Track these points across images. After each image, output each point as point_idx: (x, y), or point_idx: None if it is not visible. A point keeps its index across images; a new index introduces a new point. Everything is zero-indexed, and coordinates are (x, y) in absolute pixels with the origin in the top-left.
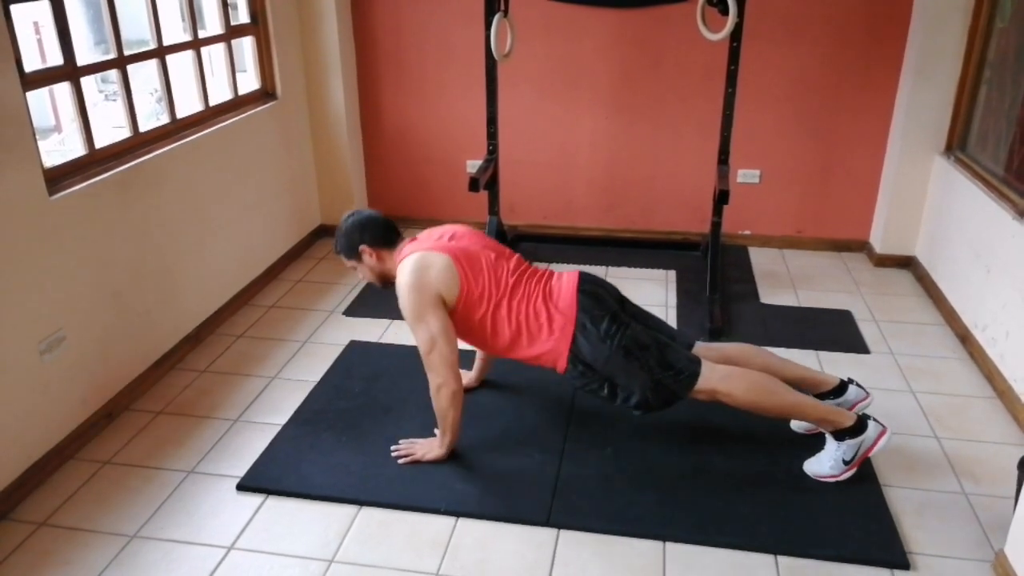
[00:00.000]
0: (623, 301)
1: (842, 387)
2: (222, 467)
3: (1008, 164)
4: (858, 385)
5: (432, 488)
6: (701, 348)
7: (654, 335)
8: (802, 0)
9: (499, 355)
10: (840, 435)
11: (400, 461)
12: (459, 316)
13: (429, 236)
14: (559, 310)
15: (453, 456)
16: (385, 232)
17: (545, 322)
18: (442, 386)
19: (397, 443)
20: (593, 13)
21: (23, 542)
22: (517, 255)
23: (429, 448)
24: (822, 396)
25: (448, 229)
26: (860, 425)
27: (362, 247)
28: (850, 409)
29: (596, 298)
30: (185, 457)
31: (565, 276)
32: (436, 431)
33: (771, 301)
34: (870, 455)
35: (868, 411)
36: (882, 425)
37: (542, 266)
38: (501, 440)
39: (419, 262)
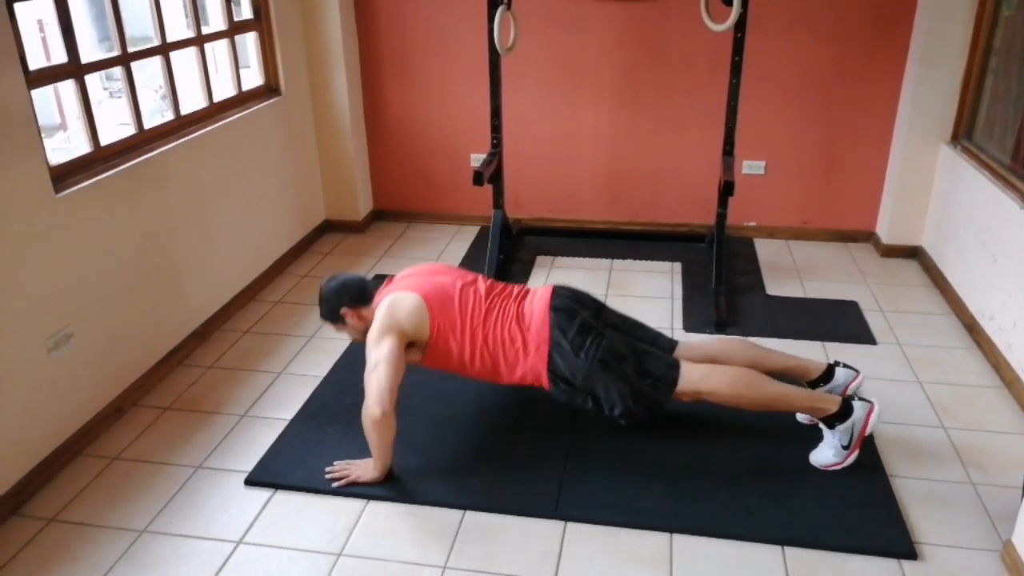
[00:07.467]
0: (599, 310)
1: (830, 371)
2: (230, 462)
3: (1015, 153)
4: (845, 366)
5: (439, 481)
6: (684, 349)
7: (631, 343)
8: None
9: (484, 380)
10: (830, 422)
11: (334, 485)
12: (434, 349)
13: (399, 277)
14: (532, 332)
15: (471, 452)
16: (361, 291)
17: (520, 346)
18: (367, 408)
19: (333, 464)
20: (596, 5)
21: (33, 538)
22: (490, 280)
23: (365, 470)
24: (813, 383)
25: (417, 268)
26: (846, 408)
27: (343, 310)
28: (844, 391)
29: (569, 313)
30: (193, 452)
31: (538, 294)
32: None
33: (777, 292)
34: (866, 434)
35: (862, 390)
36: (868, 402)
37: (518, 285)
38: (508, 433)
39: (391, 303)
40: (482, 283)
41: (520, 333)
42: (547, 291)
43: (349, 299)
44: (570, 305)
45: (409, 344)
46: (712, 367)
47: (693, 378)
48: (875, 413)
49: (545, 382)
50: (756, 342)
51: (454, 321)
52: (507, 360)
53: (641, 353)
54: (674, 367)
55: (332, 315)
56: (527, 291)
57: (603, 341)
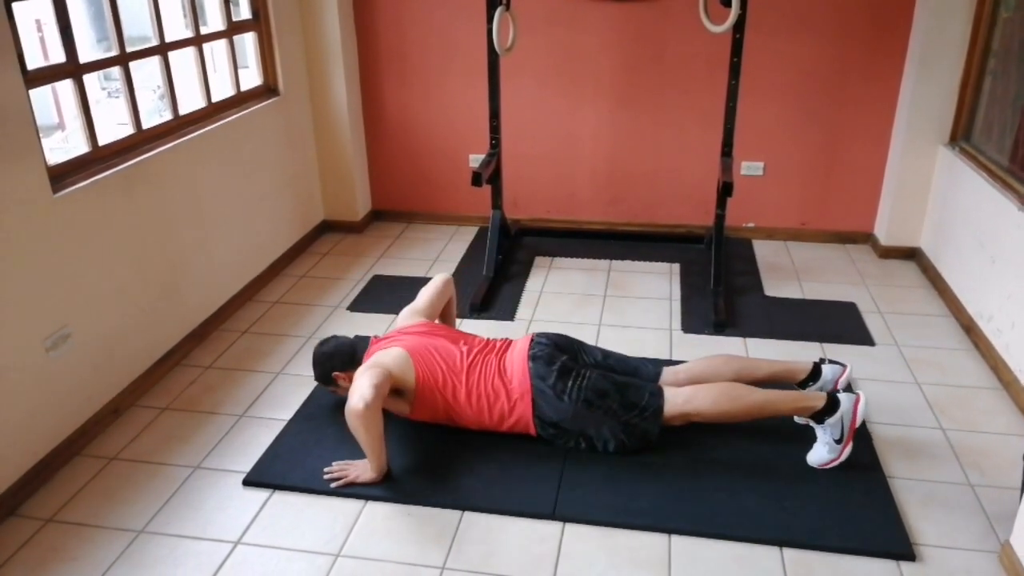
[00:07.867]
0: (579, 351)
1: (816, 370)
2: (228, 462)
3: (1013, 154)
4: (832, 361)
5: (437, 482)
6: (669, 375)
7: (612, 378)
8: None
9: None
10: (819, 418)
11: (333, 485)
12: (420, 400)
13: (383, 337)
14: (514, 384)
15: (473, 447)
16: (351, 355)
17: (504, 398)
18: (349, 405)
19: (331, 464)
20: (595, 5)
21: (31, 538)
22: (474, 336)
23: (363, 470)
24: (803, 384)
25: (401, 327)
26: (832, 402)
27: (335, 374)
28: (835, 386)
29: (547, 360)
30: (191, 453)
31: (518, 345)
32: None
33: (775, 294)
34: (857, 424)
35: (857, 385)
36: (854, 393)
37: (498, 339)
38: (506, 434)
39: (377, 355)
40: (464, 341)
41: (503, 386)
42: (525, 342)
43: (341, 363)
44: (548, 352)
45: (397, 392)
46: (694, 387)
47: (678, 401)
48: (862, 402)
49: (532, 429)
50: (748, 347)
51: (437, 376)
52: (492, 414)
53: (623, 386)
54: (657, 394)
55: (325, 378)
56: (509, 343)
57: (584, 381)
